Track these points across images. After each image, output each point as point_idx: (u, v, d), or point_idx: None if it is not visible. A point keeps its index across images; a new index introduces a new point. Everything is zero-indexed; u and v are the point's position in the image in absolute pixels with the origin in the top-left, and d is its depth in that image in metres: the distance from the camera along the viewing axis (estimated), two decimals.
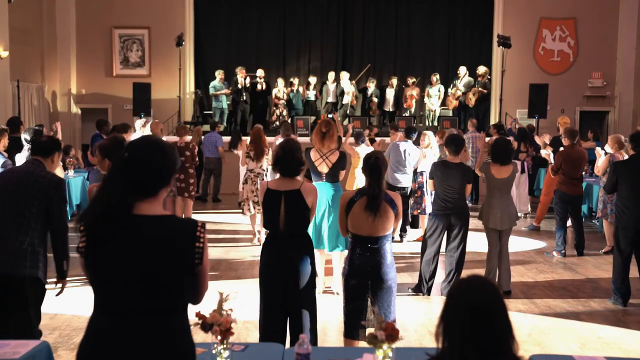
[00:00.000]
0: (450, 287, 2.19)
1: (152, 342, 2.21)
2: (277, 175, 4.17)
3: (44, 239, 4.17)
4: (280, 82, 14.71)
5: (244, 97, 14.49)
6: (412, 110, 14.58)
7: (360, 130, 9.94)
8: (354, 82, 14.90)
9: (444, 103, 14.95)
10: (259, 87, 14.61)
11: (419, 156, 8.76)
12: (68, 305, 5.78)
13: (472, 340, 1.98)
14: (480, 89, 14.23)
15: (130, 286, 2.20)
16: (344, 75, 14.74)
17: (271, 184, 4.17)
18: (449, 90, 14.70)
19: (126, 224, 2.21)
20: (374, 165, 4.04)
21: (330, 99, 14.84)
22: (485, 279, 2.12)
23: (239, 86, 14.43)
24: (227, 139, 12.24)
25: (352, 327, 4.06)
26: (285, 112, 14.53)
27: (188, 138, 9.32)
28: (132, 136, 9.00)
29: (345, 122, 14.42)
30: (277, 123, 14.01)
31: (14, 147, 7.07)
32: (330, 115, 13.05)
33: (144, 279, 2.19)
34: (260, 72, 14.78)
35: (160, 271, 2.20)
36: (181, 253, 2.22)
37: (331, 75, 14.96)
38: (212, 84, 14.45)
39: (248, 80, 14.54)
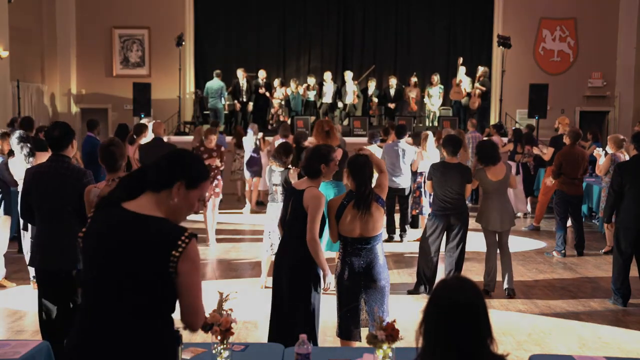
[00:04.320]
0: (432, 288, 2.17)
1: (114, 346, 2.13)
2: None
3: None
4: (277, 82, 14.68)
5: (244, 98, 14.48)
6: (415, 111, 14.57)
7: (374, 130, 9.98)
8: (356, 82, 14.88)
9: (444, 103, 14.94)
10: (260, 90, 14.57)
11: (416, 156, 8.73)
12: None
13: (450, 340, 1.96)
14: (479, 86, 14.21)
15: (102, 284, 2.17)
16: (348, 75, 14.67)
17: (295, 183, 4.25)
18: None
19: (112, 216, 2.22)
20: (357, 165, 4.05)
21: (327, 100, 14.72)
22: (466, 279, 2.09)
23: (242, 87, 14.39)
24: (229, 138, 12.26)
25: (346, 328, 4.07)
26: (283, 113, 14.52)
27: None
28: (144, 139, 8.96)
29: (346, 122, 14.44)
30: (275, 124, 14.03)
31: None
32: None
33: (116, 277, 2.14)
34: (262, 74, 14.75)
35: (131, 271, 2.13)
36: (154, 256, 2.12)
37: (328, 75, 14.79)
38: (220, 84, 14.28)
39: (246, 81, 14.50)
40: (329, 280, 4.03)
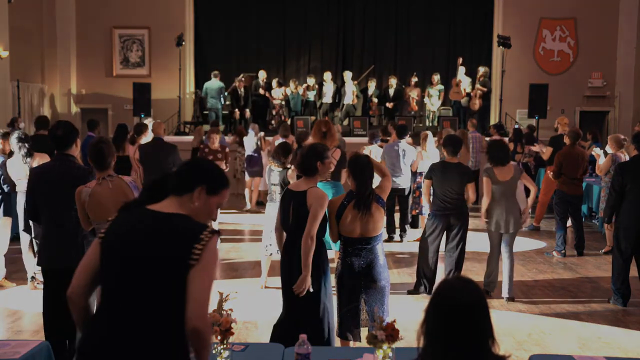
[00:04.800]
0: (434, 288, 2.16)
1: (129, 346, 2.14)
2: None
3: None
4: (274, 82, 14.68)
5: (242, 102, 14.47)
6: (415, 112, 14.56)
7: (375, 130, 9.97)
8: (355, 82, 14.88)
9: (444, 103, 14.93)
10: (260, 91, 14.57)
11: (416, 156, 8.72)
12: None
13: (451, 340, 1.96)
14: (480, 87, 14.20)
15: (120, 283, 2.18)
16: (347, 75, 14.64)
17: (292, 185, 4.20)
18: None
19: (134, 216, 2.26)
20: (358, 166, 4.04)
21: (327, 100, 14.68)
22: (469, 280, 2.09)
23: (240, 95, 14.39)
24: (230, 138, 12.27)
25: (346, 328, 4.07)
26: (283, 113, 14.51)
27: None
28: (145, 138, 8.93)
29: (346, 122, 14.43)
30: (274, 123, 14.04)
31: (43, 146, 6.84)
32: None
33: (133, 277, 2.16)
34: (262, 74, 14.74)
35: (149, 269, 2.14)
36: (175, 248, 2.14)
37: (327, 75, 14.77)
38: (219, 84, 14.33)
39: (244, 89, 14.49)
40: (306, 284, 3.90)
